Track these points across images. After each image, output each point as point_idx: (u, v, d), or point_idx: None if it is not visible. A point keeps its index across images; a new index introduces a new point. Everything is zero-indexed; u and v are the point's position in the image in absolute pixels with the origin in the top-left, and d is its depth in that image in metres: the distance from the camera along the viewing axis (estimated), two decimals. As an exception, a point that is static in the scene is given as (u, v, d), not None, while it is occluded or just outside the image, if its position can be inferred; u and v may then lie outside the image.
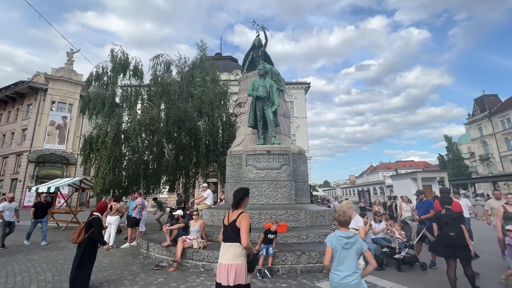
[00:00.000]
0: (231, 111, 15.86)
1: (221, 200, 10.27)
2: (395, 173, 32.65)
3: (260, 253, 5.46)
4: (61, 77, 29.10)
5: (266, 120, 9.36)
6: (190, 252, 5.97)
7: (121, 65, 10.27)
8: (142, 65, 11.21)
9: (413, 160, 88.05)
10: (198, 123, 13.17)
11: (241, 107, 11.30)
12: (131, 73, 10.84)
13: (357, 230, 3.82)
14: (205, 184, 9.43)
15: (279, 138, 9.46)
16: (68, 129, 28.83)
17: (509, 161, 42.55)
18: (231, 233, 2.82)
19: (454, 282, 4.11)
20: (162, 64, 12.96)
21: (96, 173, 9.15)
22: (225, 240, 2.87)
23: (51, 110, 28.58)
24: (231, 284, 2.59)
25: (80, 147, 10.21)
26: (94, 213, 4.77)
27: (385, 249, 5.98)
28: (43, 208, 8.69)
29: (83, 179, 11.92)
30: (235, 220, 2.84)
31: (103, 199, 10.82)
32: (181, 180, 14.14)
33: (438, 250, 4.46)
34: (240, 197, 3.07)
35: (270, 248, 5.55)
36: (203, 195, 8.85)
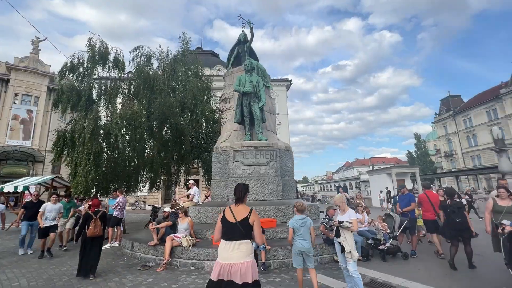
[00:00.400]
0: (214, 106, 15.62)
1: (206, 197, 10.09)
2: (370, 169, 34.33)
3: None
4: (25, 67, 26.74)
5: (253, 116, 9.32)
6: (179, 251, 5.81)
7: (100, 55, 9.53)
8: (123, 56, 10.58)
9: (385, 157, 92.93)
10: (181, 119, 12.80)
11: (227, 103, 11.15)
12: (111, 64, 10.14)
13: (351, 223, 3.92)
14: (192, 181, 9.20)
15: (265, 134, 9.47)
16: (35, 124, 26.65)
17: (470, 157, 46.32)
18: (242, 231, 2.71)
19: (454, 256, 5.21)
20: (143, 57, 12.36)
21: (74, 171, 8.51)
22: (231, 238, 2.68)
23: (14, 103, 26.22)
24: (250, 281, 2.53)
25: (53, 143, 9.37)
26: (97, 209, 5.51)
27: (370, 241, 6.25)
28: (34, 208, 7.28)
29: (56, 177, 11.08)
30: (247, 218, 2.75)
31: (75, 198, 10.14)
32: (162, 178, 13.71)
33: (446, 233, 5.52)
34: (245, 192, 3.01)
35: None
36: (190, 193, 8.63)
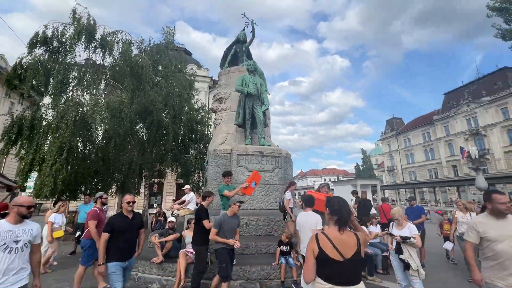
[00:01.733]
0: (195, 106, 14.63)
1: (197, 204, 9.08)
2: (335, 179, 36.26)
3: (279, 262, 5.00)
4: None
5: (255, 119, 8.84)
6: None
7: (87, 31, 7.77)
8: (113, 35, 8.88)
9: (335, 168, 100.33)
10: (163, 114, 11.56)
11: (222, 103, 10.41)
12: (97, 43, 8.40)
13: (414, 238, 3.76)
14: (188, 186, 8.17)
15: (266, 140, 9.06)
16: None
17: (407, 173, 52.87)
18: (359, 269, 2.01)
19: None
20: (120, 43, 10.77)
21: (29, 167, 6.65)
22: (342, 283, 1.89)
23: None
24: None
25: (3, 131, 7.19)
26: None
27: (385, 253, 6.26)
28: (127, 228, 3.58)
29: (-4, 174, 8.67)
30: (358, 252, 1.95)
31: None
32: (133, 180, 12.09)
33: None
34: (350, 212, 2.11)
35: (290, 259, 5.10)
36: (186, 199, 7.64)
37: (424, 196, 46.74)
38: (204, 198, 4.80)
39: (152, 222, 9.85)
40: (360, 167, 74.56)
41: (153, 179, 15.92)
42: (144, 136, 11.62)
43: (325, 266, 1.93)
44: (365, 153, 77.65)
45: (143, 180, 12.65)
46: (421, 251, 6.61)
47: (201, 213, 4.53)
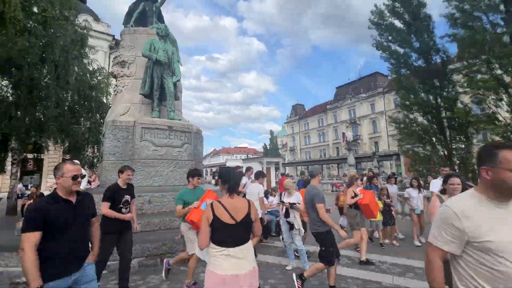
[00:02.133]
0: (90, 67, 12.22)
1: (89, 182, 7.88)
2: (244, 157, 38.18)
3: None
4: None
5: (164, 91, 8.21)
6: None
7: None
8: None
9: (246, 147, 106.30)
10: (36, 71, 9.18)
11: (124, 68, 9.08)
12: None
13: (299, 203, 4.55)
14: (77, 161, 6.87)
15: (176, 114, 8.61)
16: None
17: (305, 152, 61.71)
18: (246, 232, 2.20)
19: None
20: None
21: None
22: (232, 244, 2.08)
23: None
24: None
25: None
26: None
27: (278, 219, 7.30)
28: (72, 219, 2.03)
29: None
30: (249, 214, 2.19)
31: None
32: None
33: None
34: (240, 180, 2.56)
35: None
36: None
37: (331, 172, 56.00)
38: (118, 174, 3.85)
39: (23, 205, 8.03)
40: (268, 146, 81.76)
41: (25, 154, 12.68)
42: (10, 97, 8.97)
43: (218, 231, 2.09)
44: (273, 134, 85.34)
45: (9, 154, 9.94)
46: (304, 214, 8.04)
47: (104, 193, 3.64)
